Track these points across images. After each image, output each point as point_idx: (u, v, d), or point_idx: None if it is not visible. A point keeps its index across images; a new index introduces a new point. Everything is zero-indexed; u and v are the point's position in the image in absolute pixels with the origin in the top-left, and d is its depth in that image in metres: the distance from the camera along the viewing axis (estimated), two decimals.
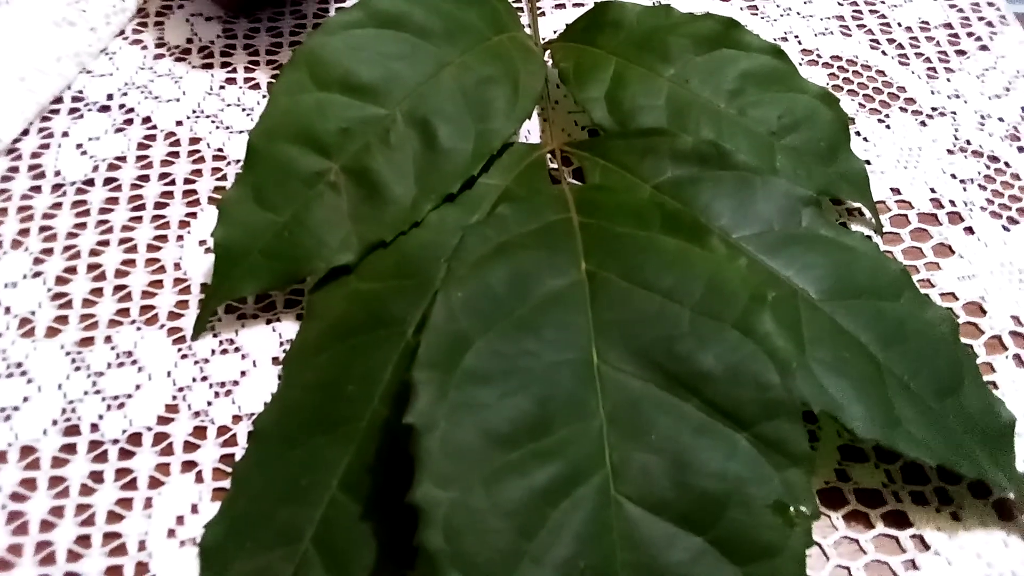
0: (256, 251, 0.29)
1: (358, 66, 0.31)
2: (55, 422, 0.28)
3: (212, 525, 0.25)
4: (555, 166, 0.34)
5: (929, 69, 0.40)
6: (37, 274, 0.32)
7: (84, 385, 0.29)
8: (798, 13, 0.43)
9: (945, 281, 0.33)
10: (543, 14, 0.42)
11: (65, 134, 0.36)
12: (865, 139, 0.37)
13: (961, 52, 0.41)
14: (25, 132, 0.36)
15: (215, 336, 0.30)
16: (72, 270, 0.32)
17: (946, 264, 0.33)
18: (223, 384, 0.29)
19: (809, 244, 0.29)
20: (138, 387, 0.29)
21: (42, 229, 0.33)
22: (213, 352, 0.30)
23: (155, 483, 0.27)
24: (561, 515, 0.22)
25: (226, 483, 0.27)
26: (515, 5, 0.38)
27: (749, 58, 0.34)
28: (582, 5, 0.43)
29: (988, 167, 0.37)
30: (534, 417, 0.23)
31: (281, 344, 0.30)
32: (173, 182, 0.35)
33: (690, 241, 0.26)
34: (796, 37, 0.41)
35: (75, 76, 0.38)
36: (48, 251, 0.33)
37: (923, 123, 0.38)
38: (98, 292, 0.31)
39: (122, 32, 0.40)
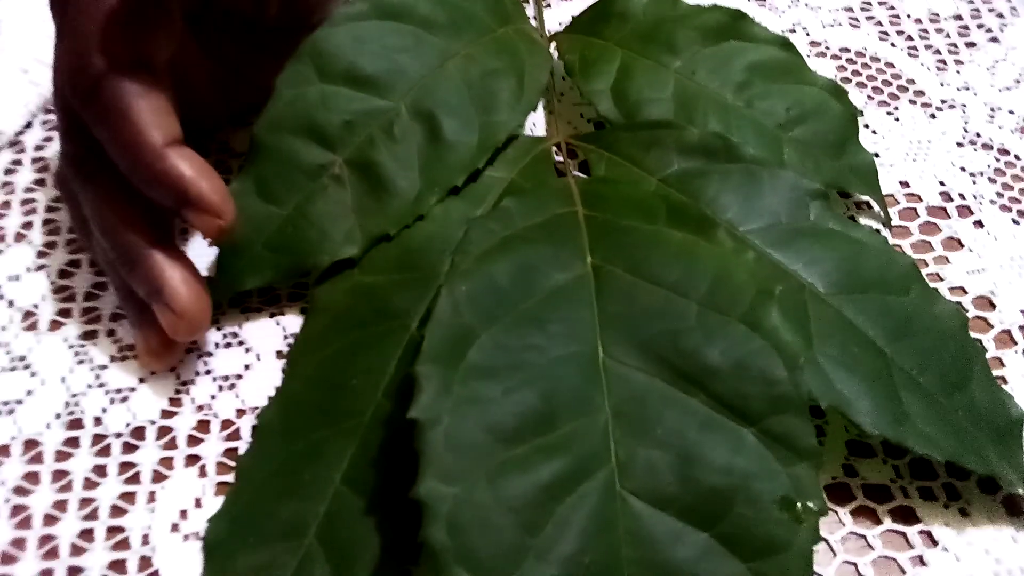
0: (259, 244, 0.29)
1: (362, 58, 0.30)
2: (58, 416, 0.28)
3: (216, 519, 0.25)
4: (560, 159, 0.33)
5: (939, 61, 0.40)
6: (41, 267, 0.32)
7: (87, 379, 0.29)
8: (806, 4, 0.42)
9: (954, 275, 0.33)
10: (549, 6, 0.42)
11: None
12: (874, 132, 0.37)
13: (971, 44, 0.41)
14: (28, 125, 0.36)
15: (219, 330, 0.30)
16: (75, 263, 0.32)
17: (955, 258, 0.33)
18: (227, 378, 0.29)
19: (817, 238, 0.29)
20: (142, 380, 0.29)
21: (46, 223, 0.33)
22: (217, 346, 0.30)
23: (159, 477, 0.27)
24: (566, 511, 0.22)
25: (230, 477, 0.27)
26: None
27: (757, 50, 0.34)
28: None
29: (998, 160, 0.36)
30: (539, 412, 0.23)
31: (285, 338, 0.30)
32: None
33: (696, 234, 0.26)
34: (804, 29, 0.41)
35: None
36: (52, 244, 0.32)
37: (932, 116, 0.38)
38: (101, 286, 0.31)
39: None
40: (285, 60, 0.30)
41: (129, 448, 0.28)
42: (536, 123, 0.37)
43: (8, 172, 0.35)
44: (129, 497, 0.27)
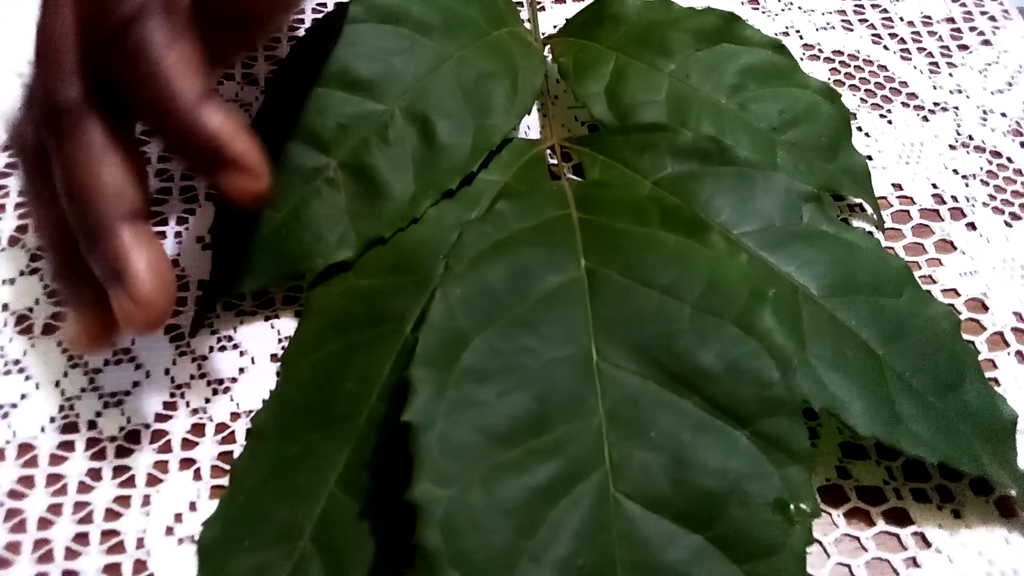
0: (254, 247, 0.29)
1: (357, 61, 0.31)
2: (53, 419, 0.28)
3: (210, 522, 0.25)
4: (555, 162, 0.34)
5: (931, 64, 0.40)
6: (34, 271, 0.32)
7: (82, 382, 0.29)
8: (799, 7, 0.42)
9: (947, 277, 0.33)
10: (543, 9, 0.42)
11: None
12: (867, 134, 0.37)
13: (963, 47, 0.41)
14: None
15: (213, 333, 0.30)
16: None
17: (948, 260, 0.33)
18: (221, 381, 0.29)
19: (810, 240, 0.29)
20: (136, 384, 0.29)
21: None
22: (211, 349, 0.30)
23: (153, 481, 0.27)
24: (560, 513, 0.22)
25: (224, 480, 0.27)
26: (514, 0, 0.38)
27: (750, 53, 0.34)
28: (582, 0, 0.42)
29: (990, 163, 0.36)
30: (533, 415, 0.23)
31: (280, 341, 0.30)
32: (171, 178, 0.35)
33: (690, 237, 0.26)
34: (797, 32, 0.41)
35: None
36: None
37: (925, 118, 0.38)
38: None
39: None
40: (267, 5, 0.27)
41: (124, 452, 0.28)
42: (530, 126, 0.37)
43: (1, 176, 0.35)
44: (124, 501, 0.27)
